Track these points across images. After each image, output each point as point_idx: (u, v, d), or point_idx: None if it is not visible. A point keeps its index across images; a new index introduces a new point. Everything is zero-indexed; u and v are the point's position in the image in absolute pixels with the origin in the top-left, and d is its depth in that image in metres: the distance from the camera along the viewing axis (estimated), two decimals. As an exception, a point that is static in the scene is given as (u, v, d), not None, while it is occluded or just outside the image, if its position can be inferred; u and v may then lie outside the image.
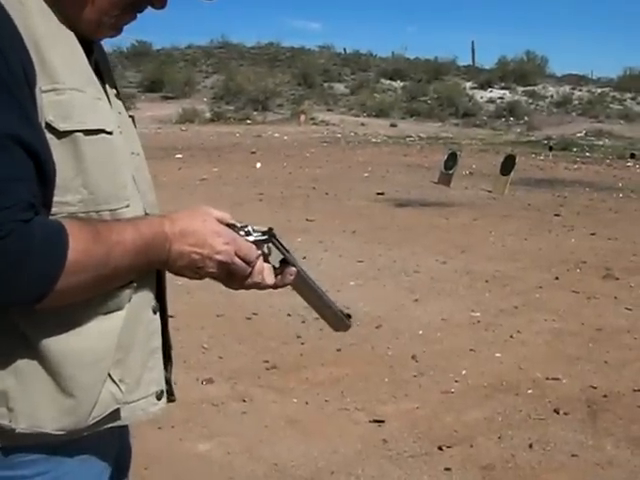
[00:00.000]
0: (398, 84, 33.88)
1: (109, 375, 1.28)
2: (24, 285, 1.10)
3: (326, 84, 33.38)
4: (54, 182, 1.17)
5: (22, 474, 1.23)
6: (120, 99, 1.44)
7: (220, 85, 31.46)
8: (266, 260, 1.38)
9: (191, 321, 5.57)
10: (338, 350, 5.17)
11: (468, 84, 33.93)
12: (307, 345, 5.28)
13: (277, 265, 1.40)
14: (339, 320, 1.58)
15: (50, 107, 1.17)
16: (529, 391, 4.53)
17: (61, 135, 1.18)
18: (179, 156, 16.54)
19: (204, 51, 38.16)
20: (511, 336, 5.49)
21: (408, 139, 23.35)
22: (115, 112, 1.35)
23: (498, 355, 5.11)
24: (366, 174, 14.78)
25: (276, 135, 23.28)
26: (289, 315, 5.78)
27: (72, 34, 1.28)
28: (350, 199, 11.72)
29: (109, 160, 1.26)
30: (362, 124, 26.93)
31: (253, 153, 18.08)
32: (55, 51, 1.20)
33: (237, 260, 1.31)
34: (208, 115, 27.37)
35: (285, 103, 30.26)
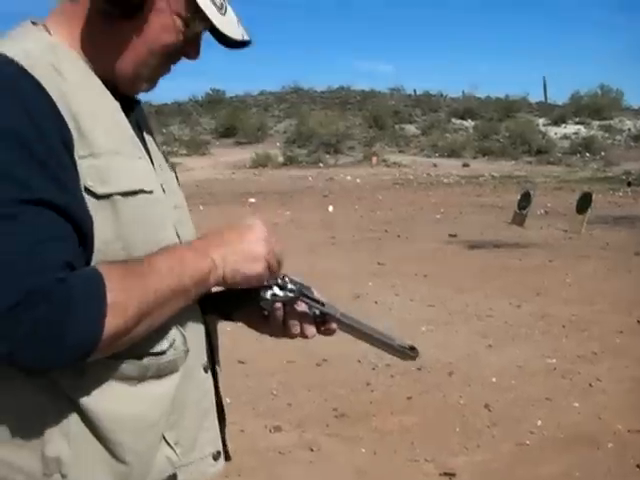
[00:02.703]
0: (469, 123, 33.73)
1: (164, 438, 1.26)
2: (75, 336, 1.07)
3: (397, 126, 33.49)
4: (93, 244, 1.17)
5: None
6: (163, 154, 1.46)
7: (292, 129, 31.88)
8: (303, 314, 1.40)
9: (261, 367, 5.56)
10: (408, 398, 5.07)
11: (541, 120, 33.54)
12: (377, 393, 5.20)
13: (318, 314, 1.41)
14: (403, 354, 1.55)
15: (87, 172, 1.18)
16: (609, 444, 4.32)
17: (100, 198, 1.19)
18: (252, 200, 16.74)
19: (276, 97, 38.88)
20: (590, 384, 5.28)
21: (481, 179, 23.13)
22: (157, 168, 1.37)
23: (576, 405, 4.92)
24: (438, 216, 14.67)
25: (348, 178, 23.37)
26: (359, 362, 5.71)
27: (111, 97, 1.30)
28: (422, 241, 11.62)
29: (149, 220, 1.26)
30: (434, 165, 26.83)
31: (325, 196, 18.17)
32: (93, 116, 1.22)
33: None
34: (281, 159, 27.71)
35: (357, 146, 30.43)
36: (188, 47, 1.34)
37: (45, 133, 1.14)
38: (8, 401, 1.17)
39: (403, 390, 5.20)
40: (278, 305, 1.36)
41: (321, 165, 27.14)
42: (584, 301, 7.65)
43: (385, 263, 9.89)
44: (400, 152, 29.82)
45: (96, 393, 1.18)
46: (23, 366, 1.09)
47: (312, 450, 4.32)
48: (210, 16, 1.28)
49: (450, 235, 12.12)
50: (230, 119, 32.64)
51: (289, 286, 1.36)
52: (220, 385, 1.46)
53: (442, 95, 39.58)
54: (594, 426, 4.56)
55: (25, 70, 1.16)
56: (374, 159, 27.68)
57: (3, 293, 1.04)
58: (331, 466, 4.12)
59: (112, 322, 1.10)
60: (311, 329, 1.41)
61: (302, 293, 1.38)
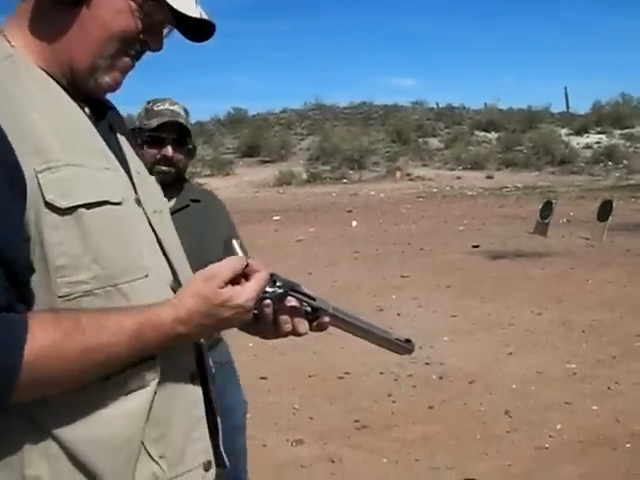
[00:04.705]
0: (492, 135, 33.66)
1: (148, 454, 1.24)
2: None
3: (420, 139, 33.47)
4: (26, 277, 1.15)
5: None
6: (140, 157, 1.45)
7: (315, 146, 31.96)
8: (294, 310, 1.38)
9: (283, 382, 5.64)
10: (430, 407, 5.13)
11: (563, 131, 33.38)
12: (399, 403, 5.26)
13: (309, 311, 1.40)
14: (399, 347, 1.59)
15: (47, 186, 1.15)
16: (627, 445, 4.35)
17: (64, 213, 1.16)
18: (276, 218, 16.86)
19: (298, 114, 38.97)
20: (608, 388, 5.32)
21: (504, 190, 23.10)
22: (135, 174, 1.35)
23: (595, 408, 4.95)
24: (462, 227, 14.70)
25: (372, 193, 23.45)
26: (381, 373, 5.78)
27: (74, 107, 1.28)
28: (445, 253, 11.66)
29: (118, 231, 1.23)
30: (458, 177, 26.83)
31: (349, 212, 18.26)
32: (49, 128, 1.19)
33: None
34: (304, 176, 27.82)
35: (380, 161, 30.46)
36: (147, 35, 1.30)
37: None
38: None
39: (424, 399, 5.25)
40: (267, 302, 1.32)
41: (345, 181, 27.23)
42: (604, 307, 7.68)
43: (408, 275, 9.95)
44: (424, 166, 29.83)
45: (65, 419, 1.17)
46: None
47: (333, 462, 4.37)
48: None
49: (473, 246, 12.16)
50: (253, 138, 32.72)
51: (277, 282, 1.33)
52: (212, 390, 1.43)
53: (465, 108, 39.55)
54: (612, 428, 4.59)
55: None
56: (398, 173, 27.72)
57: None
58: (353, 477, 4.16)
59: (28, 375, 1.08)
60: (303, 325, 1.38)
61: (291, 288, 1.35)
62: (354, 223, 15.99)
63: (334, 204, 20.60)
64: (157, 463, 1.25)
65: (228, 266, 1.25)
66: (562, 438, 4.51)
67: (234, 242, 1.37)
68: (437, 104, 39.94)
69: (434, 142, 33.56)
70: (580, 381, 5.51)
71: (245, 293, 1.25)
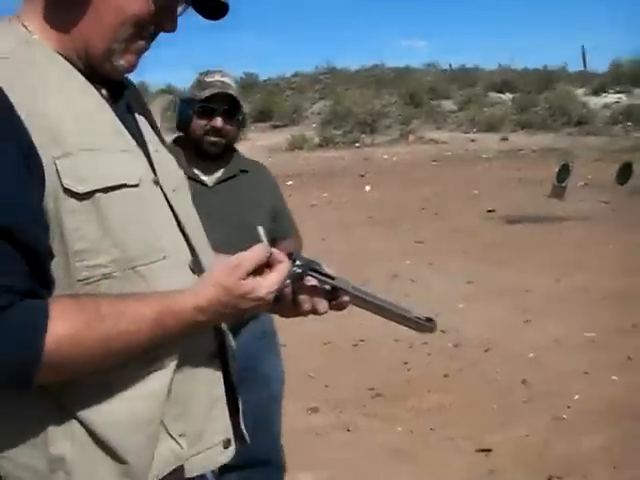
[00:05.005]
0: (507, 96, 33.20)
1: (168, 432, 1.27)
2: (3, 370, 1.10)
3: (433, 102, 33.11)
4: (46, 263, 1.16)
5: None
6: (158, 134, 1.45)
7: (327, 110, 31.71)
8: (313, 289, 1.40)
9: (299, 350, 5.58)
10: (445, 376, 5.07)
11: (581, 91, 32.84)
12: (414, 372, 5.21)
13: (329, 290, 1.41)
14: (420, 325, 1.56)
15: (65, 172, 1.17)
16: (648, 416, 4.29)
17: (81, 198, 1.18)
18: (290, 183, 16.73)
19: (310, 78, 38.65)
20: (629, 357, 5.22)
21: (520, 152, 22.83)
22: (153, 153, 1.36)
23: (614, 378, 4.87)
24: (476, 191, 14.54)
25: (385, 157, 23.26)
26: (396, 341, 5.71)
27: (90, 89, 1.29)
28: (460, 218, 11.53)
29: (136, 213, 1.25)
30: (472, 140, 26.52)
31: (362, 176, 18.12)
32: (67, 114, 1.21)
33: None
34: (317, 141, 27.62)
35: (393, 124, 30.18)
36: (161, 17, 1.31)
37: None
38: (13, 406, 1.19)
39: (440, 368, 5.20)
40: (287, 282, 1.34)
41: (357, 145, 27.01)
42: (625, 273, 7.50)
43: (423, 241, 9.86)
44: (437, 129, 29.51)
45: (87, 400, 1.20)
46: None
47: (349, 430, 4.36)
48: None
49: (488, 210, 12.01)
50: (265, 102, 32.54)
51: (297, 262, 1.35)
52: (232, 369, 1.45)
53: (478, 69, 39.04)
54: (632, 399, 4.50)
55: None
56: (411, 136, 27.50)
57: None
58: (368, 446, 4.14)
59: (52, 352, 1.11)
60: (322, 304, 1.41)
61: (311, 268, 1.37)
62: (367, 188, 15.86)
63: (347, 168, 20.45)
64: (177, 441, 1.29)
65: (252, 257, 1.27)
66: (581, 408, 4.45)
67: (259, 229, 1.36)
68: (450, 66, 39.47)
69: (447, 104, 33.16)
70: (599, 350, 5.41)
71: (267, 285, 1.27)
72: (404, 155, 23.18)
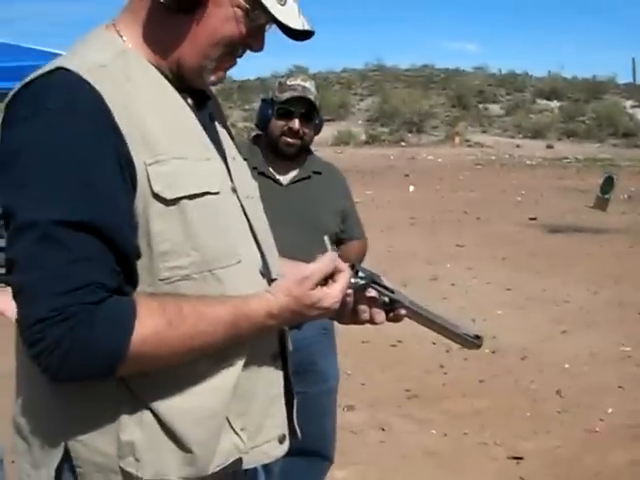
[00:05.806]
0: (555, 104, 32.90)
1: (231, 426, 1.34)
2: (90, 362, 1.17)
3: (481, 105, 32.93)
4: (134, 262, 1.24)
5: None
6: (233, 140, 1.53)
7: (375, 107, 31.71)
8: (372, 300, 1.46)
9: (337, 347, 5.69)
10: (481, 381, 5.15)
11: (628, 103, 32.41)
12: (450, 375, 5.30)
13: (387, 302, 1.48)
14: (467, 342, 1.63)
15: (155, 178, 1.24)
16: (680, 434, 4.33)
17: (169, 203, 1.25)
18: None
19: (359, 74, 38.58)
20: (664, 374, 5.26)
21: (564, 161, 22.69)
22: (230, 160, 1.44)
23: (648, 393, 4.92)
24: (519, 198, 14.52)
25: (430, 157, 23.25)
26: (434, 344, 5.78)
27: (180, 101, 1.36)
28: (502, 224, 11.56)
29: (216, 220, 1.32)
30: (517, 146, 26.38)
31: (407, 176, 18.17)
32: (159, 123, 1.28)
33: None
34: (363, 137, 27.68)
35: (439, 125, 30.11)
36: (251, 39, 1.36)
37: (98, 153, 1.20)
38: (92, 393, 1.26)
39: (475, 373, 5.27)
40: (349, 292, 1.40)
41: (403, 144, 27.02)
42: (664, 289, 7.53)
43: (464, 245, 9.93)
44: (483, 132, 29.40)
45: (160, 391, 1.28)
46: (48, 373, 1.18)
47: (383, 430, 4.45)
48: (269, 7, 1.31)
49: (530, 218, 12.02)
50: (313, 96, 32.62)
51: (360, 274, 1.42)
52: (290, 368, 1.51)
53: (527, 75, 38.68)
54: (666, 416, 4.56)
55: (86, 86, 1.21)
56: (457, 139, 27.42)
57: (34, 307, 1.15)
58: (401, 446, 4.22)
59: (137, 349, 1.19)
60: (380, 315, 1.48)
61: (372, 280, 1.44)
62: (411, 188, 15.92)
63: (391, 167, 20.50)
64: (238, 435, 1.36)
65: (321, 269, 1.35)
66: (613, 422, 4.49)
67: (325, 238, 1.47)
68: (499, 70, 39.17)
69: (495, 108, 32.98)
70: (634, 365, 5.46)
71: (333, 296, 1.35)
72: (449, 157, 23.14)
